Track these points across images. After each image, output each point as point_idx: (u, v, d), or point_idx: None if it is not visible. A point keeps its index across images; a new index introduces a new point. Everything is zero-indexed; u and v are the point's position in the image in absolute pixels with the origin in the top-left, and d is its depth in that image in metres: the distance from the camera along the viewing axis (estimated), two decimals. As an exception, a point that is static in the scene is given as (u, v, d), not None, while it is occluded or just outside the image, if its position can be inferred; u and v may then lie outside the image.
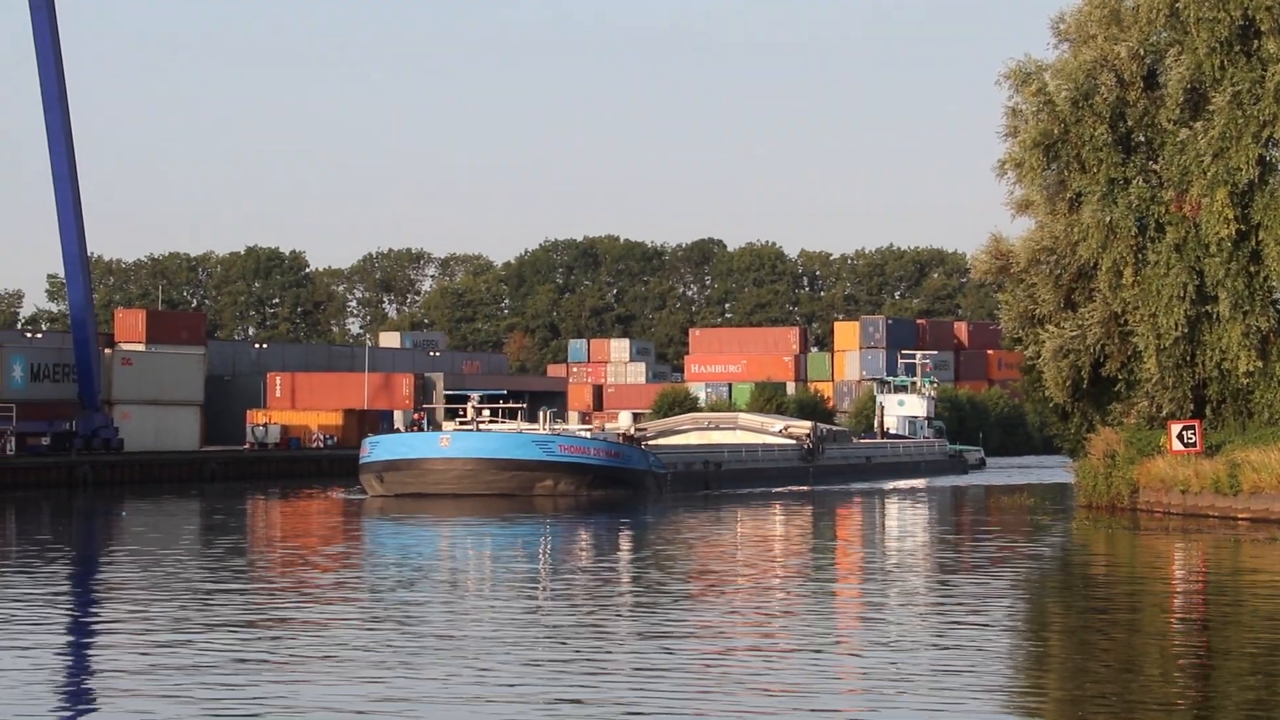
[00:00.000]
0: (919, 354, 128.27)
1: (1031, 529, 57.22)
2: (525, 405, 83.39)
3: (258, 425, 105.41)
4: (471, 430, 76.84)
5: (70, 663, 27.02)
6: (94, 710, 22.85)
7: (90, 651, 28.03)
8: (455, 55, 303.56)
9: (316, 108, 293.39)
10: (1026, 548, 48.81)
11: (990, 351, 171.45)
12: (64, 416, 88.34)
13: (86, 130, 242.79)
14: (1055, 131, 61.50)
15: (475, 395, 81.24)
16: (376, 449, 76.70)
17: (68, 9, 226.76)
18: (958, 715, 21.79)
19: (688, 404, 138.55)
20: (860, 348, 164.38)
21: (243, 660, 26.15)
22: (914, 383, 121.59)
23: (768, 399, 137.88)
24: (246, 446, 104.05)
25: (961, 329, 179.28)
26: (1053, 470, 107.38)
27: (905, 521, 63.80)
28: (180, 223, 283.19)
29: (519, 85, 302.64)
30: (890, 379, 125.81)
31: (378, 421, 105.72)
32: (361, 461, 77.10)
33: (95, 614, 33.06)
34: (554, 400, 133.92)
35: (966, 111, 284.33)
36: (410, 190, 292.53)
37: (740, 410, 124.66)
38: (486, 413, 79.64)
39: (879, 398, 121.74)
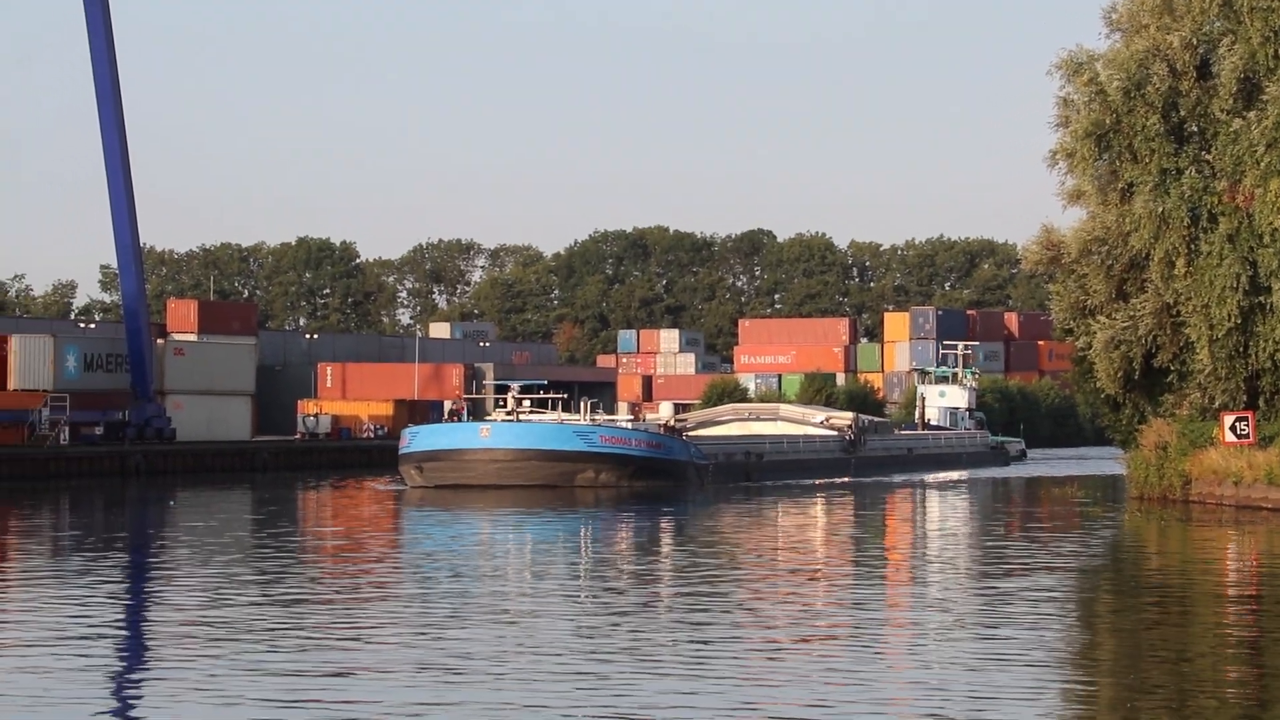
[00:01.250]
0: (961, 344, 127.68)
1: (1083, 521, 57.05)
2: (566, 396, 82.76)
3: (308, 415, 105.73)
4: (512, 421, 76.35)
5: (122, 651, 27.22)
6: (144, 701, 23.04)
7: (140, 639, 28.24)
8: (506, 47, 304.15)
9: (368, 98, 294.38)
10: (1078, 539, 48.66)
11: (1041, 342, 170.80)
12: (117, 406, 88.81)
13: (139, 121, 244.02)
14: (1107, 121, 61.17)
15: (515, 385, 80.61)
16: (416, 439, 76.17)
17: (120, 1, 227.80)
18: (1009, 704, 21.77)
19: (737, 395, 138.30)
20: (910, 338, 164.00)
21: (292, 659, 26.33)
22: (955, 374, 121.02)
23: (817, 390, 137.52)
24: (297, 437, 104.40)
25: (1012, 320, 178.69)
26: (1097, 461, 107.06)
27: (952, 513, 63.68)
28: (232, 213, 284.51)
29: (570, 76, 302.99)
30: (931, 370, 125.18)
31: (428, 412, 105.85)
32: (401, 452, 76.62)
33: (145, 602, 33.29)
34: (603, 391, 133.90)
35: (1018, 101, 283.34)
36: (460, 181, 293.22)
37: (789, 401, 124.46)
38: (527, 403, 78.95)
39: (920, 389, 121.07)
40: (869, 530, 55.19)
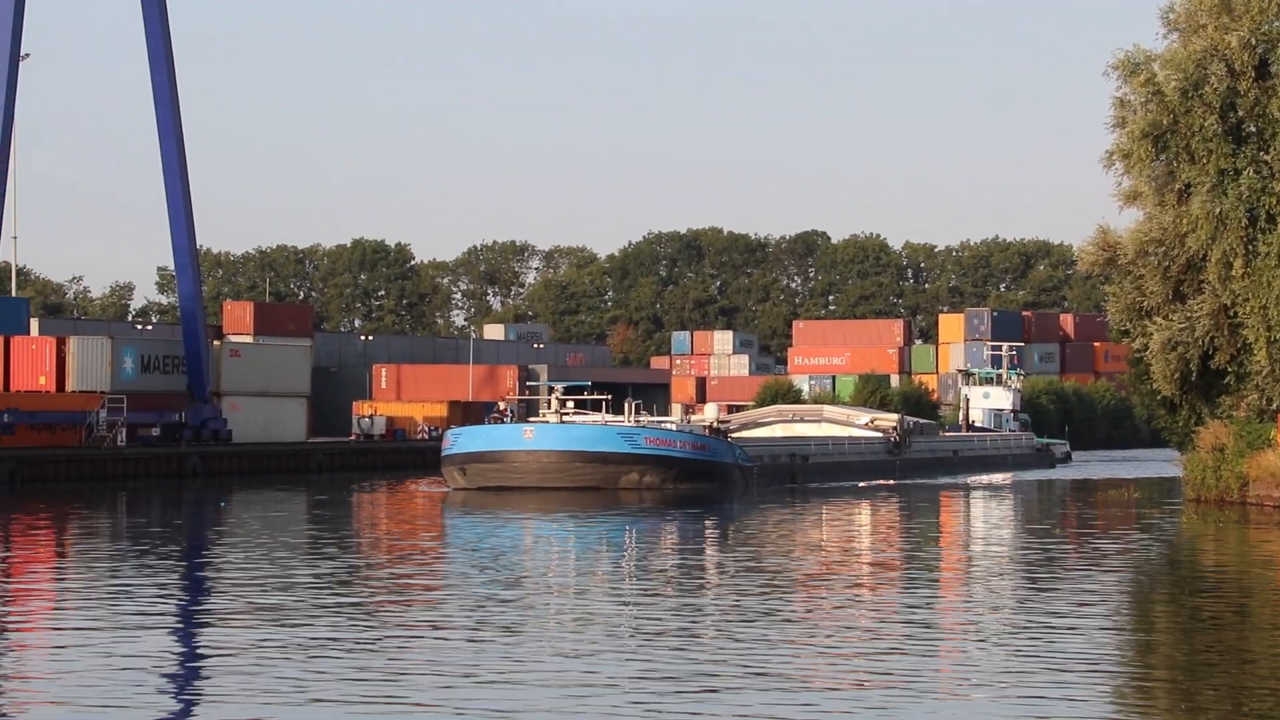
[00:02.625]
0: (1005, 345, 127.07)
1: (1139, 522, 56.77)
2: (609, 396, 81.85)
3: (363, 417, 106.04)
4: (556, 422, 75.44)
5: (173, 650, 27.41)
6: (197, 700, 23.19)
7: (191, 640, 28.43)
8: (560, 48, 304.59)
9: (422, 100, 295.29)
10: (1134, 540, 48.45)
11: (1097, 344, 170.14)
12: (174, 408, 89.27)
13: (196, 123, 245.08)
14: (1164, 122, 60.79)
15: (559, 386, 79.78)
16: (459, 441, 75.34)
17: (177, 2, 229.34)
18: (1066, 707, 21.72)
19: (791, 396, 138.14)
20: (965, 340, 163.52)
21: (342, 658, 26.46)
22: (1000, 375, 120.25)
23: (871, 391, 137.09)
24: (352, 438, 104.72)
25: (1068, 321, 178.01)
26: (1144, 463, 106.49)
27: (1005, 515, 63.44)
28: (287, 216, 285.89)
29: (624, 77, 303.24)
30: (975, 371, 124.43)
31: (482, 413, 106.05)
32: (444, 454, 75.85)
33: (196, 603, 33.51)
34: (657, 392, 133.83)
35: (1074, 102, 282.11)
36: (515, 183, 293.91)
37: (843, 402, 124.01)
38: (570, 404, 78.01)
39: (964, 390, 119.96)
40: (924, 533, 55.04)
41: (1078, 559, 42.15)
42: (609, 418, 78.05)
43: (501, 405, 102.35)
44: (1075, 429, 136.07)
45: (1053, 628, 28.67)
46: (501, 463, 73.28)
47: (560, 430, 74.27)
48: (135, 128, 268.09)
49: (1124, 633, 29.19)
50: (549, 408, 77.53)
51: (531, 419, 78.86)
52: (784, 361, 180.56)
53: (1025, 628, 28.74)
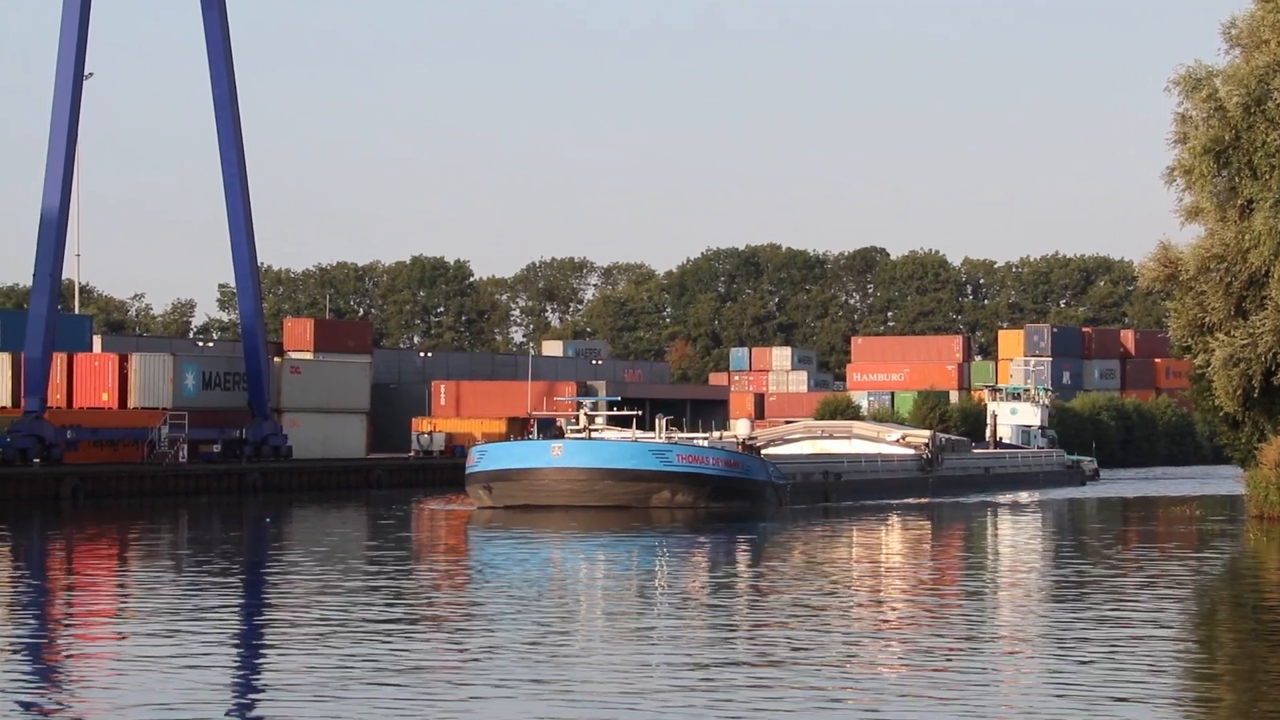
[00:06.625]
0: (1031, 361, 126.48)
1: (1201, 540, 56.41)
2: (640, 412, 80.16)
3: (423, 433, 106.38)
4: (585, 439, 73.62)
5: (222, 666, 27.57)
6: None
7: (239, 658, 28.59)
8: (617, 63, 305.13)
9: (481, 118, 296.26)
10: (1196, 556, 48.16)
11: (1157, 360, 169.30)
12: (234, 424, 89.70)
13: (256, 141, 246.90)
14: (1226, 137, 60.39)
15: (587, 403, 78.38)
16: (484, 458, 73.20)
17: (237, 18, 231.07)
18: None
19: (850, 412, 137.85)
20: (1025, 355, 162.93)
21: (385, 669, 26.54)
22: (1027, 390, 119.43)
23: (931, 408, 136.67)
24: (411, 454, 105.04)
25: (1128, 337, 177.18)
26: (1175, 481, 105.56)
27: (1056, 534, 63.08)
28: (348, 233, 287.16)
29: (682, 93, 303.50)
30: (1002, 387, 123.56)
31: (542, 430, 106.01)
32: (468, 471, 73.76)
33: (243, 618, 33.70)
34: (716, 409, 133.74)
35: (1134, 118, 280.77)
36: (573, 200, 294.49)
37: (901, 420, 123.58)
38: (600, 420, 76.25)
39: (990, 406, 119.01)
40: (979, 552, 54.83)
41: (1138, 577, 41.90)
42: (640, 434, 76.34)
43: (560, 420, 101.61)
44: (1136, 445, 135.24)
45: (1115, 645, 28.51)
46: (529, 481, 71.10)
47: (590, 447, 72.12)
48: (197, 145, 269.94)
49: (1184, 651, 29.01)
50: (572, 424, 76.18)
51: (558, 436, 77.68)
52: (843, 378, 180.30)
53: (1087, 646, 28.59)
